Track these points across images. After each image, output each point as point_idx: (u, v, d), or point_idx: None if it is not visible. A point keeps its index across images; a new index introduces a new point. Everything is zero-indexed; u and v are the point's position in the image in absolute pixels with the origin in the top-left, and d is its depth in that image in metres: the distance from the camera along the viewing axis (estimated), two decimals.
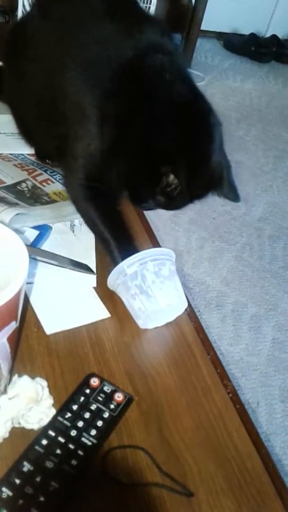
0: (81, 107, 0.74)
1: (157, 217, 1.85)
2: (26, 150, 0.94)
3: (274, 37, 3.47)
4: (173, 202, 0.73)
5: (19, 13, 1.67)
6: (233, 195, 0.76)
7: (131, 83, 0.71)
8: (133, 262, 0.66)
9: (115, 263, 0.69)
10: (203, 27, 2.85)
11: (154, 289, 0.65)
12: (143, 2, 1.88)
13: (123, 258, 0.68)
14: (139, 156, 0.71)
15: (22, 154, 0.94)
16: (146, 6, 1.89)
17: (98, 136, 0.73)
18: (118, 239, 0.73)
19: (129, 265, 0.66)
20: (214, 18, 3.16)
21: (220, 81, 3.04)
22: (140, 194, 0.76)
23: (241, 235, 1.90)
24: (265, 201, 2.11)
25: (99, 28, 0.75)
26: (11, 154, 0.93)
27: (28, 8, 1.58)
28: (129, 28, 0.74)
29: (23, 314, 0.61)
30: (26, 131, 0.92)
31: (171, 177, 0.68)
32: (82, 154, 0.75)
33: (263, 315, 1.59)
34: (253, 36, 3.43)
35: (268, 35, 3.54)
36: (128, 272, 0.66)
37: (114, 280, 0.68)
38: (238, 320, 1.56)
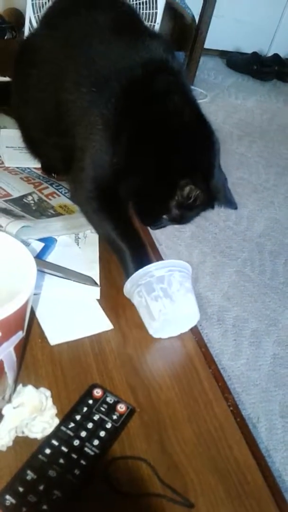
0: (89, 121, 0.76)
1: (160, 232, 1.86)
2: (33, 164, 0.96)
3: (276, 56, 3.52)
4: (188, 214, 0.77)
5: (26, 30, 1.70)
6: (231, 204, 0.81)
7: (141, 103, 0.74)
8: (162, 267, 0.68)
9: (128, 273, 0.71)
10: (207, 45, 2.90)
11: (179, 296, 0.67)
12: (148, 21, 1.92)
13: (137, 269, 0.70)
14: (154, 172, 0.74)
15: (28, 168, 0.96)
16: (151, 25, 1.93)
17: (106, 150, 0.75)
18: (132, 250, 0.75)
19: (157, 268, 0.68)
20: (217, 37, 3.21)
21: (222, 99, 3.08)
22: (153, 211, 0.79)
23: (242, 251, 1.91)
24: (266, 217, 2.13)
25: (105, 44, 0.77)
26: (17, 167, 0.95)
27: (35, 24, 1.61)
28: (134, 45, 0.77)
29: (29, 324, 0.62)
30: (33, 145, 0.94)
31: (187, 189, 0.73)
32: (89, 166, 0.77)
33: (264, 331, 1.60)
34: (255, 55, 3.49)
35: (270, 54, 3.59)
36: (155, 274, 0.68)
37: (136, 280, 0.69)
38: (239, 335, 1.56)
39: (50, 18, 0.90)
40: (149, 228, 0.89)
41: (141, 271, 0.69)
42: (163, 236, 1.84)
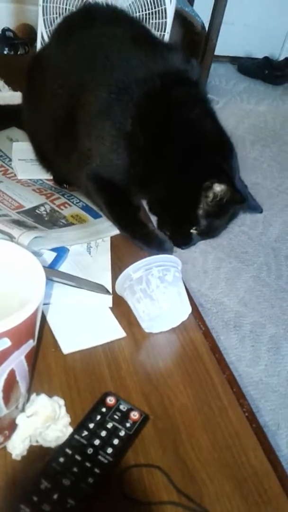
0: (102, 127, 0.77)
1: None
2: (45, 175, 0.97)
3: (287, 60, 3.51)
4: (217, 222, 0.78)
5: (38, 45, 1.73)
6: (256, 208, 0.82)
7: (160, 113, 0.75)
8: (139, 267, 0.69)
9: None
10: (217, 52, 2.90)
11: (158, 293, 0.68)
12: (158, 31, 1.93)
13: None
14: (177, 182, 0.75)
15: (40, 180, 0.97)
16: (161, 34, 1.94)
17: (117, 157, 0.78)
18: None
19: (135, 270, 0.69)
20: (227, 44, 3.21)
21: (234, 104, 3.07)
22: (182, 226, 0.79)
23: (258, 255, 1.90)
24: (281, 221, 2.11)
25: (123, 55, 0.79)
26: (30, 179, 0.96)
27: (47, 39, 1.63)
28: (153, 56, 0.78)
29: (40, 333, 0.62)
30: (44, 159, 0.95)
31: (213, 188, 0.73)
32: (97, 166, 0.80)
33: (282, 336, 1.58)
34: (266, 59, 3.48)
35: (281, 58, 3.58)
36: (134, 277, 0.69)
37: (121, 285, 0.71)
38: (257, 341, 1.55)
39: (62, 33, 0.91)
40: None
41: (122, 275, 0.70)
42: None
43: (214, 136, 0.77)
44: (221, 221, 0.78)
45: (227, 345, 1.50)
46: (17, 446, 0.52)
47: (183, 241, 0.81)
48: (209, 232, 0.79)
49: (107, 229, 0.86)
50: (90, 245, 0.83)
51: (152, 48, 0.80)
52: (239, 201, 0.75)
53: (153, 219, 0.85)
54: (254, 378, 1.42)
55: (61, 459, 0.52)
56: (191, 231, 0.78)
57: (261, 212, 0.83)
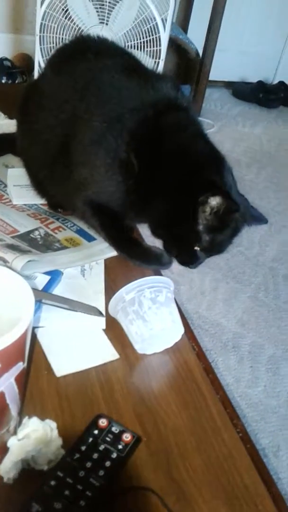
0: (97, 156, 0.79)
1: None
2: (39, 200, 0.99)
3: (281, 83, 3.57)
4: (219, 237, 0.78)
5: (36, 74, 1.77)
6: (260, 219, 0.84)
7: (154, 138, 0.77)
8: (132, 288, 0.70)
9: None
10: (212, 77, 2.96)
11: (150, 314, 0.69)
12: (153, 58, 1.97)
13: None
14: (174, 201, 0.77)
15: (35, 204, 0.98)
16: (155, 61, 1.98)
17: (114, 184, 0.79)
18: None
19: (127, 292, 0.70)
20: (222, 69, 3.28)
21: (229, 128, 3.12)
22: (185, 245, 0.80)
23: (255, 276, 1.90)
24: (278, 242, 2.12)
25: (115, 86, 0.81)
26: (25, 204, 0.98)
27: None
28: (144, 86, 0.81)
29: (32, 356, 0.63)
30: (39, 184, 0.97)
31: (208, 202, 0.73)
32: (94, 194, 0.82)
33: (281, 356, 1.57)
34: (260, 83, 3.54)
35: (275, 81, 3.65)
36: (126, 299, 0.70)
37: (114, 306, 0.72)
38: (256, 362, 1.54)
39: (55, 64, 0.94)
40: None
41: (115, 297, 0.71)
42: (175, 263, 1.85)
43: (205, 155, 0.79)
44: (224, 235, 0.79)
45: (225, 366, 1.49)
46: (9, 470, 0.52)
47: (189, 260, 0.82)
48: (213, 248, 0.80)
49: (101, 252, 0.87)
50: (84, 268, 0.84)
51: (143, 78, 0.83)
52: (234, 209, 0.75)
53: (149, 240, 0.86)
54: (254, 400, 1.41)
55: (53, 482, 0.51)
56: (195, 248, 0.79)
57: (266, 222, 0.84)
